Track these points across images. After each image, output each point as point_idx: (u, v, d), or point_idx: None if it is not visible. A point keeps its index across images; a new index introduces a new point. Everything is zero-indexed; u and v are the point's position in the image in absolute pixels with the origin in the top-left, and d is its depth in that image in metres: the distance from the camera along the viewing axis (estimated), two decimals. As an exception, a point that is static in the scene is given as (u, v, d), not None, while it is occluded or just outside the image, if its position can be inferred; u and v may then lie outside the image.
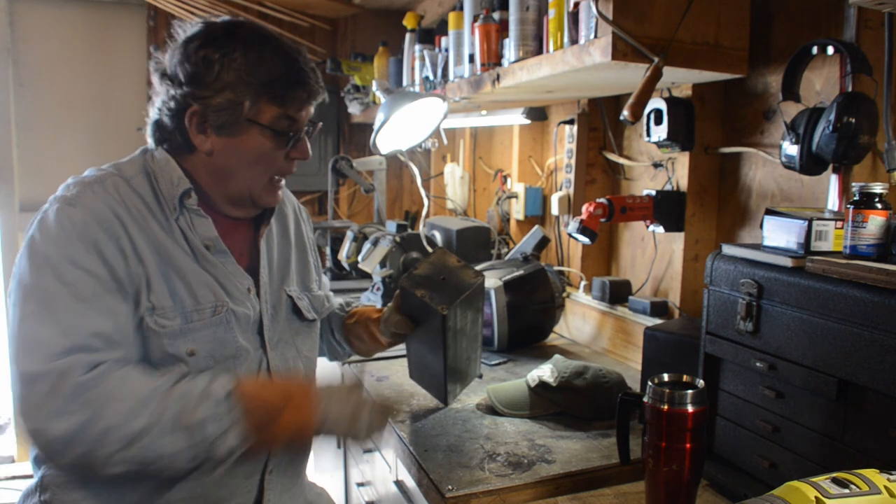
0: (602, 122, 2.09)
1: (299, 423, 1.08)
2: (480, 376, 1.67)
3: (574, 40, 1.44)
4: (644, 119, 1.66)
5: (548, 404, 1.45)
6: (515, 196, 2.51)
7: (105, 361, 1.01)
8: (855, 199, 1.00)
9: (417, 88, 2.31)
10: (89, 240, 1.05)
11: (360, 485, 1.90)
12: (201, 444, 1.01)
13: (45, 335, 1.00)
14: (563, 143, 2.22)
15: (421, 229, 2.42)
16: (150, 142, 1.21)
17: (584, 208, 1.71)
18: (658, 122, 1.62)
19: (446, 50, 2.10)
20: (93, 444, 0.97)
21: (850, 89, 1.20)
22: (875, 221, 0.98)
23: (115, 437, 0.97)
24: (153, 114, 1.18)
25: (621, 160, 2.01)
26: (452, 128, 2.97)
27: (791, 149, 1.25)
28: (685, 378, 1.03)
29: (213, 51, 1.10)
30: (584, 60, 1.37)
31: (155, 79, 1.15)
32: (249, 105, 1.12)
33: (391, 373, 1.51)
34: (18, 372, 0.99)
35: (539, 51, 1.62)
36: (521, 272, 1.95)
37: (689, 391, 0.99)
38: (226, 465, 1.08)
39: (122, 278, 1.07)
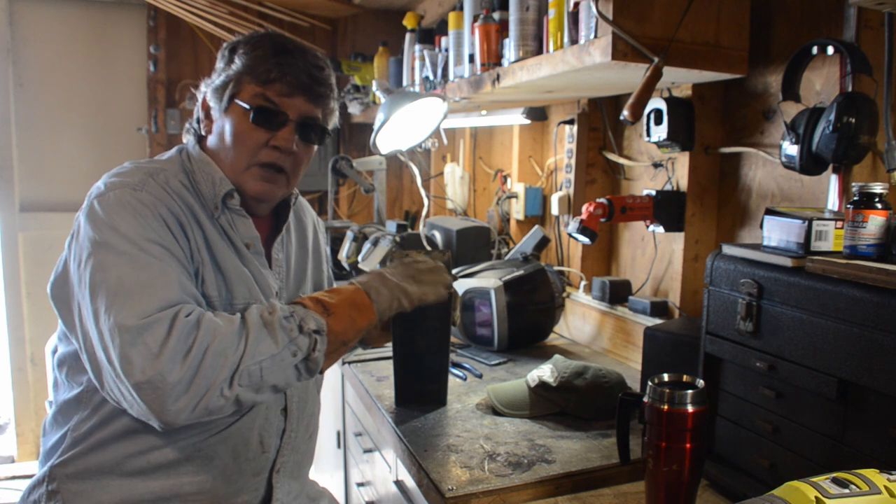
0: (602, 122, 2.09)
1: (357, 304, 1.19)
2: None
3: (574, 40, 1.44)
4: (644, 119, 1.66)
5: (548, 404, 1.45)
6: (515, 196, 2.51)
7: (196, 309, 1.06)
8: (855, 199, 1.00)
9: (417, 88, 2.31)
10: (163, 221, 1.10)
11: (360, 485, 1.90)
12: (291, 342, 1.08)
13: (146, 293, 1.02)
14: (563, 143, 2.22)
15: (421, 229, 2.42)
16: (184, 138, 1.30)
17: (584, 208, 1.71)
18: (658, 122, 1.62)
19: (446, 50, 2.10)
20: (209, 374, 0.99)
21: (850, 89, 1.20)
22: (875, 221, 0.98)
23: (227, 360, 1.01)
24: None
25: (621, 160, 2.01)
26: (452, 128, 2.97)
27: (791, 149, 1.25)
28: (685, 378, 1.03)
29: (230, 46, 1.23)
30: (584, 60, 1.37)
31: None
32: (234, 84, 1.19)
33: (391, 373, 1.51)
34: (123, 327, 0.98)
35: (539, 51, 1.62)
36: (521, 272, 1.96)
37: (689, 391, 0.99)
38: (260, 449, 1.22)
39: (188, 259, 1.13)
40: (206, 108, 1.24)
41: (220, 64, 1.23)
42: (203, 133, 1.25)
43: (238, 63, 1.19)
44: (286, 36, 1.25)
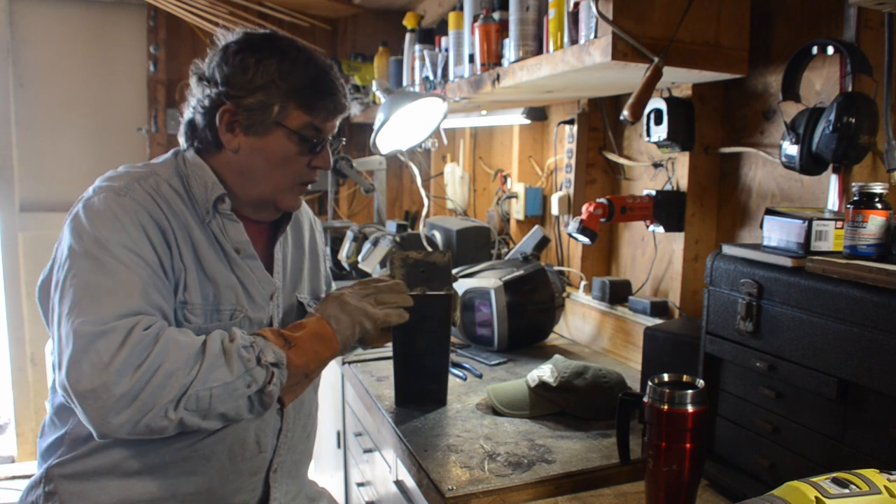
0: (602, 122, 2.09)
1: (321, 335, 1.16)
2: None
3: (574, 40, 1.44)
4: (644, 119, 1.66)
5: (548, 404, 1.45)
6: (515, 196, 2.51)
7: (157, 322, 1.04)
8: (855, 199, 1.00)
9: (417, 88, 2.31)
10: (141, 228, 1.09)
11: (360, 485, 1.90)
12: (247, 372, 1.05)
13: (108, 300, 1.01)
14: (563, 143, 2.22)
15: (421, 229, 2.42)
16: (181, 141, 1.26)
17: (584, 208, 1.71)
18: (658, 122, 1.62)
19: (446, 50, 2.10)
20: (157, 392, 0.98)
21: (850, 89, 1.20)
22: (875, 221, 0.98)
23: (177, 382, 0.99)
24: (187, 114, 1.23)
25: (621, 160, 2.01)
26: (452, 128, 2.97)
27: (791, 149, 1.25)
28: (685, 378, 1.03)
29: (250, 55, 1.16)
30: (584, 60, 1.37)
31: (192, 81, 1.22)
32: (279, 109, 1.17)
33: (391, 373, 1.51)
34: (78, 333, 0.98)
35: (539, 51, 1.62)
36: (521, 272, 1.96)
37: (689, 391, 0.99)
38: (241, 458, 1.21)
39: (167, 269, 1.11)
40: (229, 122, 1.17)
41: (237, 72, 1.15)
42: (223, 145, 1.19)
43: (279, 84, 1.15)
44: (316, 52, 1.23)
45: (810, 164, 1.24)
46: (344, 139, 1.32)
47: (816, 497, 0.69)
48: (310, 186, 1.30)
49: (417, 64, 2.34)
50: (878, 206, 0.98)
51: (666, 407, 0.99)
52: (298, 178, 1.23)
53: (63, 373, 0.97)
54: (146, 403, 0.97)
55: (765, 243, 1.12)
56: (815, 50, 1.23)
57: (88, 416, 0.97)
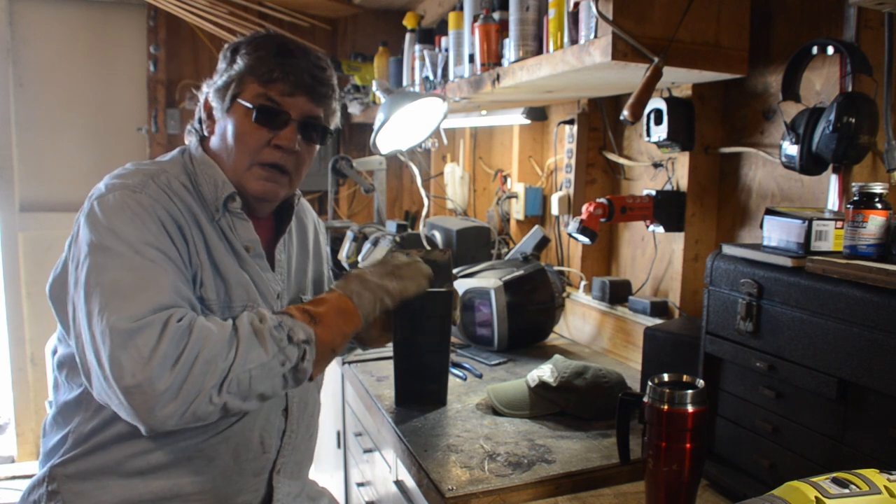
0: (602, 122, 2.09)
1: (344, 311, 1.18)
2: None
3: (574, 40, 1.44)
4: (644, 119, 1.66)
5: (548, 404, 1.45)
6: (515, 196, 2.51)
7: (188, 314, 1.05)
8: (855, 199, 1.00)
9: (417, 88, 2.31)
10: (160, 224, 1.10)
11: (360, 485, 1.90)
12: (280, 351, 1.07)
13: (140, 296, 1.02)
14: (563, 143, 2.22)
15: (421, 229, 2.42)
16: (186, 139, 1.30)
17: (584, 208, 1.71)
18: (658, 122, 1.62)
19: (446, 50, 2.10)
20: (199, 380, 0.99)
21: (850, 89, 1.20)
22: (875, 221, 0.98)
23: (216, 367, 1.01)
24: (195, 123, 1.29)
25: (621, 160, 2.01)
26: (452, 128, 2.97)
27: (791, 149, 1.25)
28: (685, 378, 1.03)
29: (232, 47, 1.23)
30: (584, 60, 1.37)
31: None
32: (236, 84, 1.19)
33: (391, 373, 1.51)
34: (115, 330, 0.98)
35: (539, 51, 1.62)
36: (521, 272, 1.96)
37: (689, 391, 0.99)
38: (254, 455, 1.22)
39: (186, 263, 1.12)
40: (209, 109, 1.24)
41: (221, 64, 1.23)
42: (206, 133, 1.25)
43: (240, 63, 1.19)
44: (288, 37, 1.25)
45: (810, 164, 1.24)
46: (331, 130, 1.28)
47: (816, 497, 0.69)
48: (301, 181, 1.29)
49: (417, 64, 2.34)
50: (878, 206, 0.98)
51: (666, 407, 0.99)
52: (257, 156, 1.19)
53: (106, 370, 0.98)
54: (190, 392, 0.98)
55: (765, 243, 1.12)
56: (815, 50, 1.23)
57: (135, 410, 0.97)
